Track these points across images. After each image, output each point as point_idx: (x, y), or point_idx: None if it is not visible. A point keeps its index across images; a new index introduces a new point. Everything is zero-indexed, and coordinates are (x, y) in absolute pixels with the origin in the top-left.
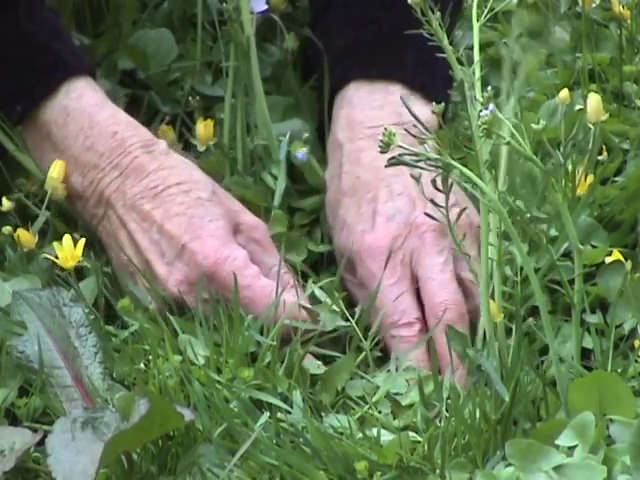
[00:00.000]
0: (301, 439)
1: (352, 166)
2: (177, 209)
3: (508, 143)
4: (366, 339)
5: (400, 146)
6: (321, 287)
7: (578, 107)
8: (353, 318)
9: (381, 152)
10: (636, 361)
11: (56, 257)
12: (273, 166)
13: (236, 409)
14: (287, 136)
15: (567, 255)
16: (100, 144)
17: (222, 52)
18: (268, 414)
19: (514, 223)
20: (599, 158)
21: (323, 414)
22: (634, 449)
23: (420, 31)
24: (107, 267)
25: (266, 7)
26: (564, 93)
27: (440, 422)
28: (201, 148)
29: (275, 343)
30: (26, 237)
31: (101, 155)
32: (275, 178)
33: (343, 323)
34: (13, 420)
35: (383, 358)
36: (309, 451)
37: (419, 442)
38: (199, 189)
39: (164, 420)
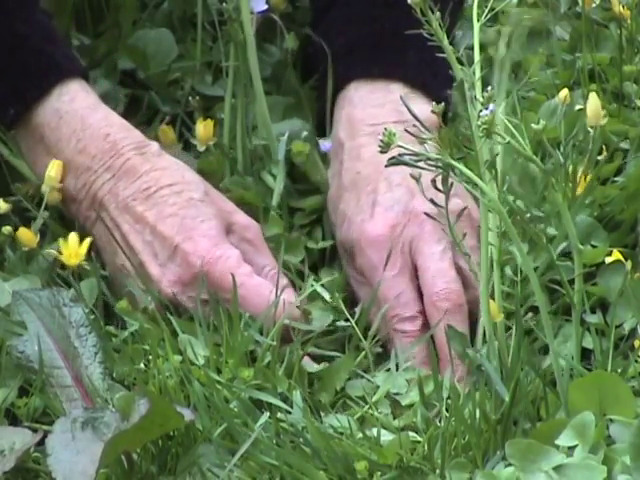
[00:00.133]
0: (301, 439)
1: (352, 162)
2: (169, 210)
3: (508, 143)
4: (366, 339)
5: (400, 146)
6: (322, 285)
7: (578, 107)
8: (353, 318)
9: (381, 152)
10: (636, 361)
11: (59, 254)
12: (273, 166)
13: (236, 409)
14: (285, 136)
15: (567, 255)
16: (92, 146)
17: (222, 52)
18: (268, 414)
19: (514, 223)
20: (599, 158)
21: (323, 414)
22: (634, 449)
23: (422, 31)
24: (103, 269)
25: (266, 7)
26: (564, 93)
27: (440, 422)
28: (201, 148)
29: (275, 343)
30: (27, 236)
31: (93, 157)
32: (275, 178)
33: (342, 323)
34: (13, 420)
35: (383, 355)
36: (309, 451)
37: (419, 442)
38: (191, 190)
39: (164, 420)
